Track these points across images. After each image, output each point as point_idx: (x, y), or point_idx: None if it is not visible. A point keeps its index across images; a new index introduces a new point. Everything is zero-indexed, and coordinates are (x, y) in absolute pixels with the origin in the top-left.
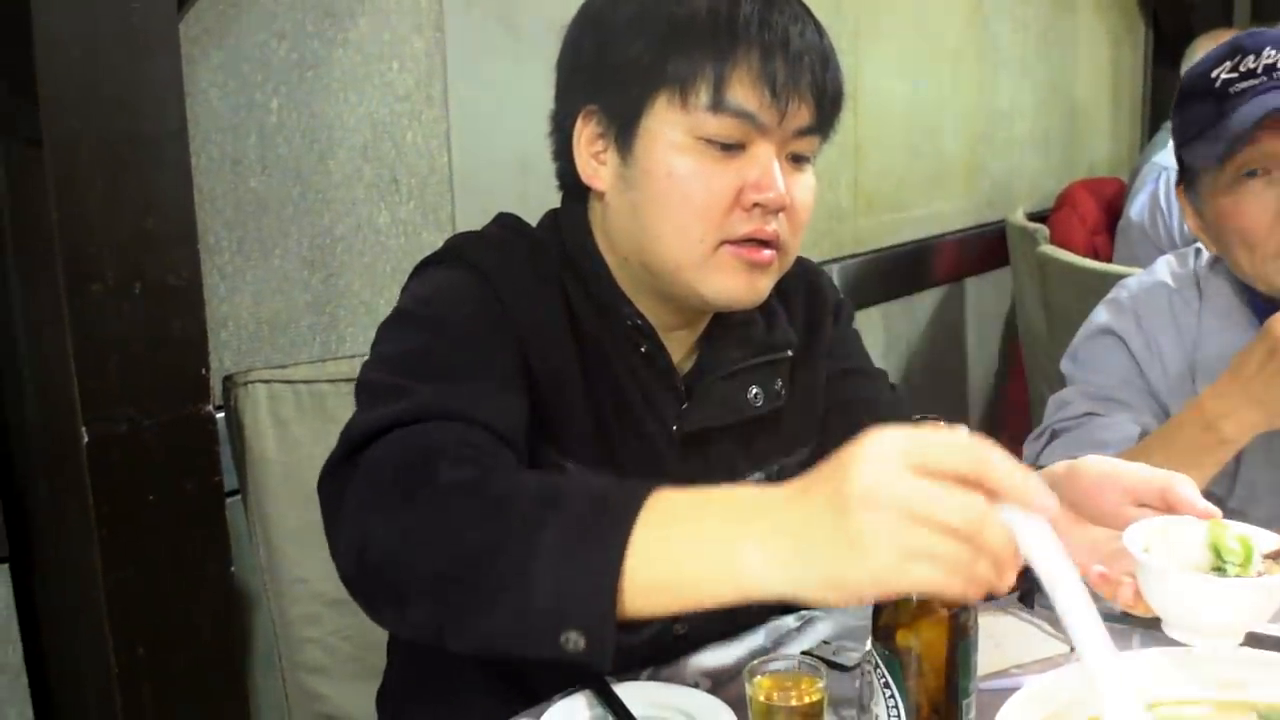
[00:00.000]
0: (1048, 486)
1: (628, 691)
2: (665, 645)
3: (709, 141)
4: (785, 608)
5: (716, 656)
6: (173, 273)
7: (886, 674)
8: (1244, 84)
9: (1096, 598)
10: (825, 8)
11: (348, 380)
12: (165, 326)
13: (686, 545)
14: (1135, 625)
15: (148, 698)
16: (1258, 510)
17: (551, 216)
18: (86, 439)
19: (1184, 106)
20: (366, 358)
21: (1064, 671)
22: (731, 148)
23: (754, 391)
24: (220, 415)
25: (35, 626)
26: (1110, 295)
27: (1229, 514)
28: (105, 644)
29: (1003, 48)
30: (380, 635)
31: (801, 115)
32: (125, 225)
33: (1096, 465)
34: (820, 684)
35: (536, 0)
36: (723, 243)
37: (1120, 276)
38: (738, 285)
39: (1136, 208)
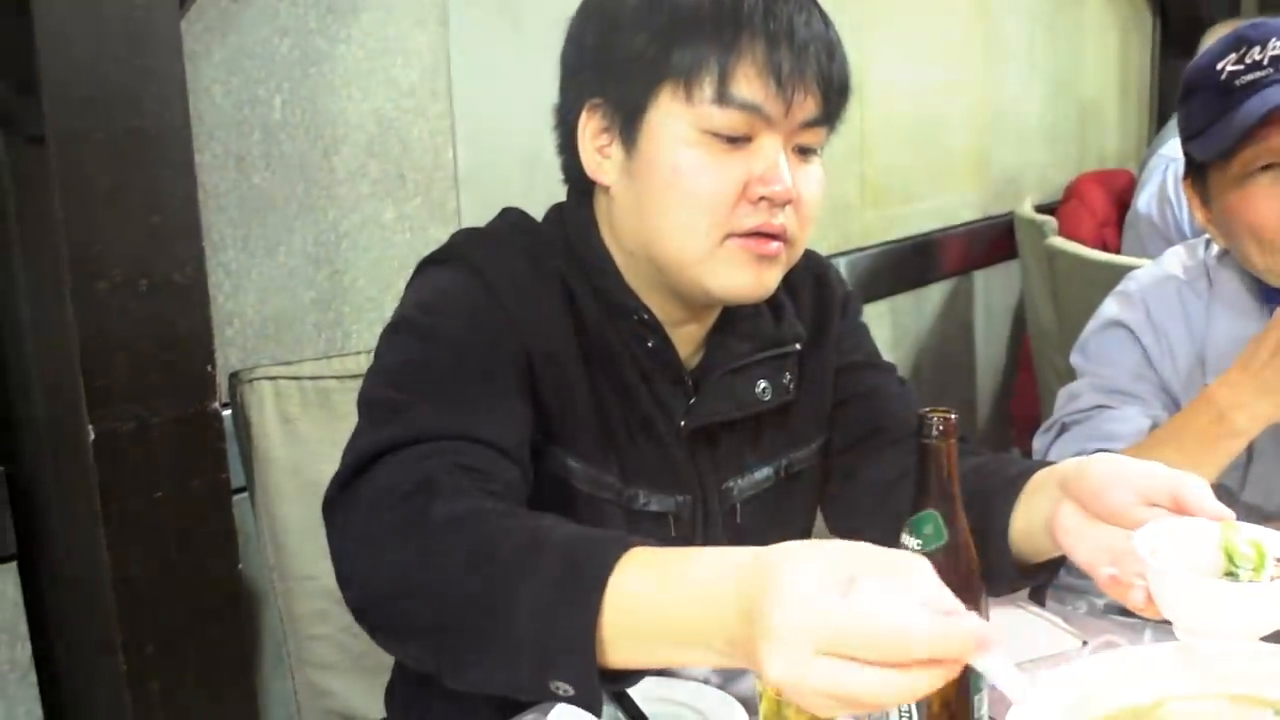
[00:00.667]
0: (1056, 485)
1: (637, 687)
2: None
3: (714, 134)
4: None
5: None
6: (178, 270)
7: None
8: (1249, 76)
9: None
10: None
11: (354, 376)
12: (171, 324)
13: (653, 630)
14: (1147, 620)
15: (156, 695)
16: (1270, 502)
17: (557, 211)
18: (93, 436)
19: (1189, 100)
20: (371, 363)
21: (1076, 666)
22: (737, 140)
23: (762, 385)
24: (226, 412)
25: (43, 624)
26: (1119, 287)
27: (1240, 510)
28: (113, 642)
29: (1009, 39)
30: None
31: (808, 106)
32: (130, 222)
33: (1105, 464)
34: None
35: None
36: (729, 236)
37: (1129, 268)
38: (745, 279)
39: (1144, 200)
